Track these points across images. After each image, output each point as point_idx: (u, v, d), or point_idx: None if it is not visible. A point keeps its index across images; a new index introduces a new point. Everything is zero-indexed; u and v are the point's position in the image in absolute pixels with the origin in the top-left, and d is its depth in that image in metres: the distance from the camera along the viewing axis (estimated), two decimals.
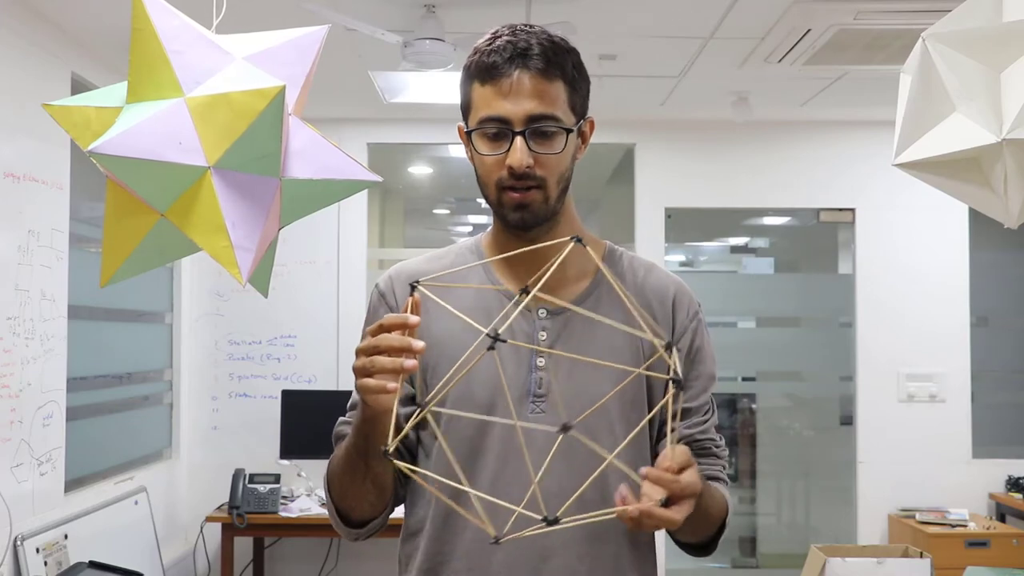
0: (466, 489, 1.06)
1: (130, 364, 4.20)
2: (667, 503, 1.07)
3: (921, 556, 3.63)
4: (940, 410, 4.85)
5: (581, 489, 1.09)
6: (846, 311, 5.03)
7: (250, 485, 4.29)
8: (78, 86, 3.52)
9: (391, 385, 1.12)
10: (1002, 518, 4.69)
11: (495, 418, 1.29)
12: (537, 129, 1.29)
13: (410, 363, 1.12)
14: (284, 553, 4.79)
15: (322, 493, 4.48)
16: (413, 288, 1.14)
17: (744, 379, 5.23)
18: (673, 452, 1.09)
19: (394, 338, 1.13)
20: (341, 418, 1.43)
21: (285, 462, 4.46)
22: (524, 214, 1.32)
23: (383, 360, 1.13)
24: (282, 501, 4.33)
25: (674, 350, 1.07)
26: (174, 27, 1.26)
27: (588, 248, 1.15)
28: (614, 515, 1.06)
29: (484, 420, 1.30)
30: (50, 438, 3.29)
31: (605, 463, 1.08)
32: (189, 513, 4.65)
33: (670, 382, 1.05)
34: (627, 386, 1.31)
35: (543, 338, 1.34)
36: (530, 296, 1.08)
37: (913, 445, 4.83)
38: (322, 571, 4.73)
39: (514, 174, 1.29)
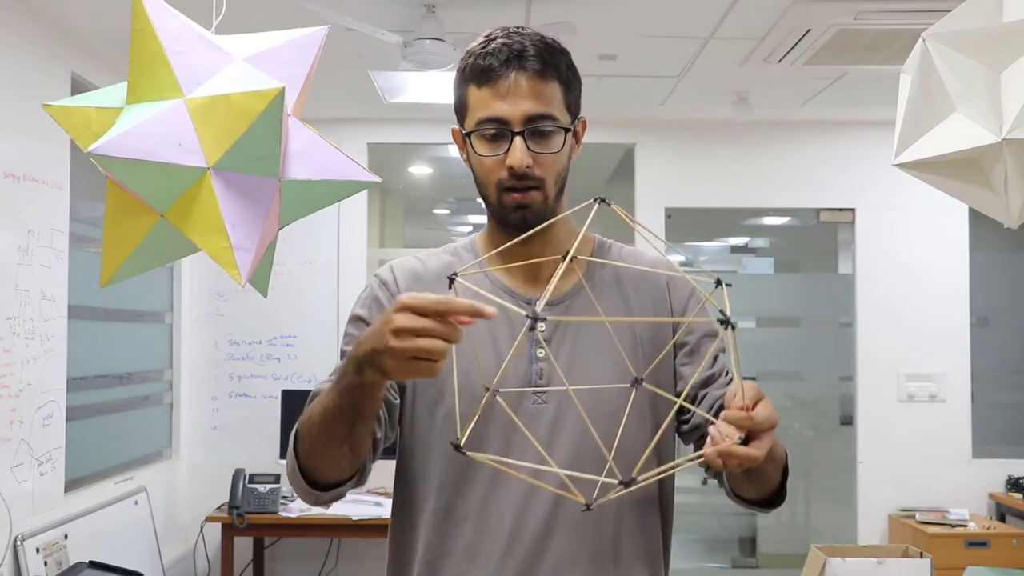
0: (550, 468, 1.09)
1: (130, 364, 4.20)
2: (746, 441, 1.06)
3: (921, 556, 3.63)
4: (940, 410, 4.85)
5: (651, 445, 1.18)
6: (846, 311, 5.02)
7: (250, 485, 4.29)
8: (78, 86, 3.52)
9: (439, 365, 1.06)
10: (1002, 518, 4.69)
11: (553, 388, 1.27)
12: (535, 129, 1.30)
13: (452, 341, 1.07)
14: (284, 553, 4.79)
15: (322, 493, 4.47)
16: (452, 281, 1.10)
17: (744, 379, 5.21)
18: (742, 390, 1.09)
19: (446, 328, 1.05)
20: (323, 379, 1.37)
21: (285, 462, 4.45)
22: (525, 213, 1.33)
23: (436, 344, 1.04)
24: (282, 501, 4.33)
25: (723, 287, 1.08)
26: (174, 28, 1.26)
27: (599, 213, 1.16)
28: (700, 460, 1.08)
29: (483, 410, 1.29)
30: (50, 438, 3.29)
31: (670, 417, 1.08)
32: (189, 513, 4.65)
33: (720, 323, 1.07)
34: (628, 374, 1.32)
35: (542, 330, 1.36)
36: (568, 258, 1.10)
37: (913, 445, 4.83)
38: (322, 571, 4.73)
39: (514, 174, 1.30)
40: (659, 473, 1.07)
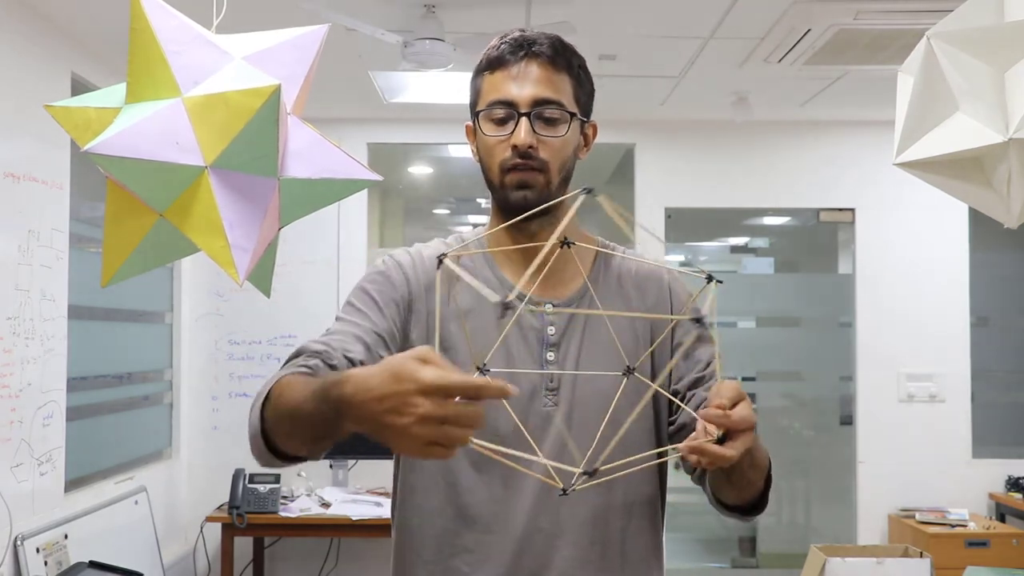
0: (531, 457, 1.09)
1: (130, 364, 4.20)
2: (723, 441, 1.05)
3: (921, 556, 3.62)
4: (940, 410, 4.85)
5: (616, 439, 1.12)
6: (846, 311, 5.02)
7: (250, 485, 4.28)
8: (78, 86, 3.51)
9: (455, 452, 0.95)
10: (1002, 518, 4.68)
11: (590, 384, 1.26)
12: (541, 112, 1.33)
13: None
14: (284, 553, 4.78)
15: (322, 493, 4.48)
16: (440, 262, 1.05)
17: (744, 379, 5.21)
18: (721, 388, 1.08)
19: (472, 412, 0.93)
20: (314, 339, 1.28)
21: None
22: (527, 194, 1.33)
23: (461, 435, 0.92)
24: (282, 501, 4.33)
25: (714, 283, 1.08)
26: (172, 27, 1.26)
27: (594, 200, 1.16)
28: (678, 455, 1.08)
29: (499, 408, 1.28)
30: (50, 438, 3.29)
31: (644, 400, 1.08)
32: (189, 513, 4.65)
33: (692, 320, 1.09)
34: (631, 380, 1.32)
35: (551, 333, 1.36)
36: (558, 239, 1.10)
37: (913, 445, 4.83)
38: (322, 571, 4.72)
39: (518, 153, 1.32)
40: (623, 466, 1.07)
